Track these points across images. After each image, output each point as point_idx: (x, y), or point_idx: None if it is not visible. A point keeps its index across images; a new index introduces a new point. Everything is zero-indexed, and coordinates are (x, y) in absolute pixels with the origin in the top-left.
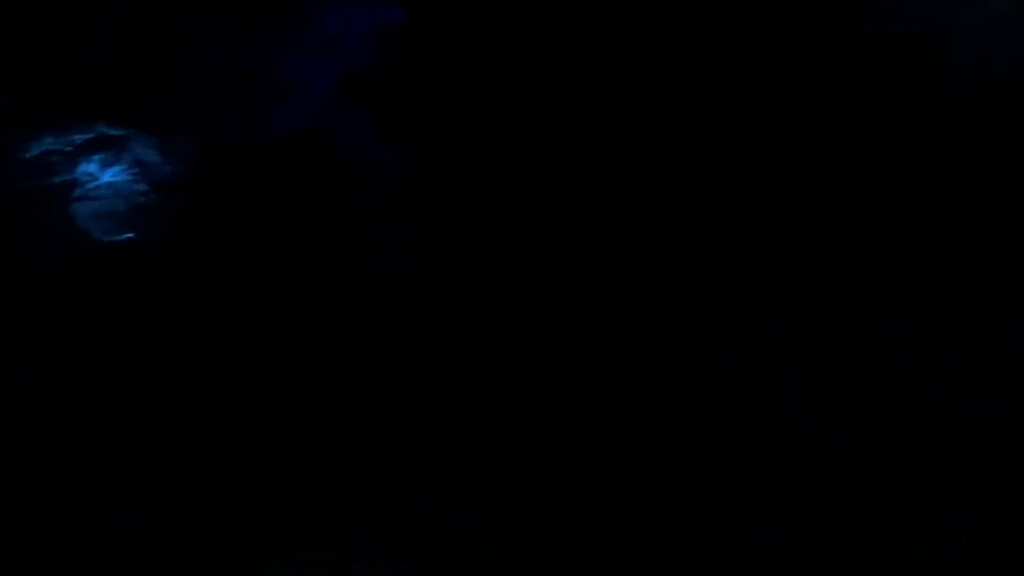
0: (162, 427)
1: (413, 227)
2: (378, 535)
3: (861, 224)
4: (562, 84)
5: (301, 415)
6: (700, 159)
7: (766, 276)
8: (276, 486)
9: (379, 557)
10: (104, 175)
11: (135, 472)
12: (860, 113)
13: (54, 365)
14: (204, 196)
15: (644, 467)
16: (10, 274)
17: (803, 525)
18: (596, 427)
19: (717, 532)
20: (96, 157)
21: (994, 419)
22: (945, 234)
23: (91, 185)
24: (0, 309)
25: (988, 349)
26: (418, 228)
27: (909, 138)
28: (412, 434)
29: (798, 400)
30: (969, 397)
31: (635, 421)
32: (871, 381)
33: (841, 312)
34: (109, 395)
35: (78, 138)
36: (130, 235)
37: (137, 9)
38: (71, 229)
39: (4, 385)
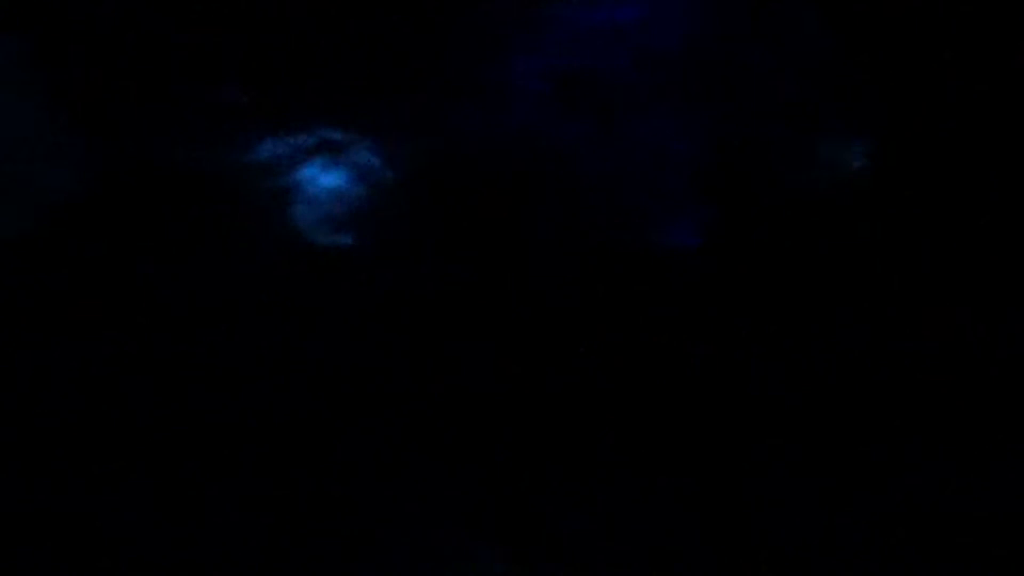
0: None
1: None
2: None
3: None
4: None
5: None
6: None
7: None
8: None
9: None
10: (324, 179)
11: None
12: None
13: (271, 365)
14: (422, 202)
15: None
16: (229, 279)
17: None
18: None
19: None
20: (317, 161)
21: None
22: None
23: (311, 189)
24: (219, 311)
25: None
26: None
27: None
28: None
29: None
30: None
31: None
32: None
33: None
34: (327, 394)
35: (300, 141)
36: (347, 240)
37: (359, 12)
38: (290, 233)
39: (224, 385)
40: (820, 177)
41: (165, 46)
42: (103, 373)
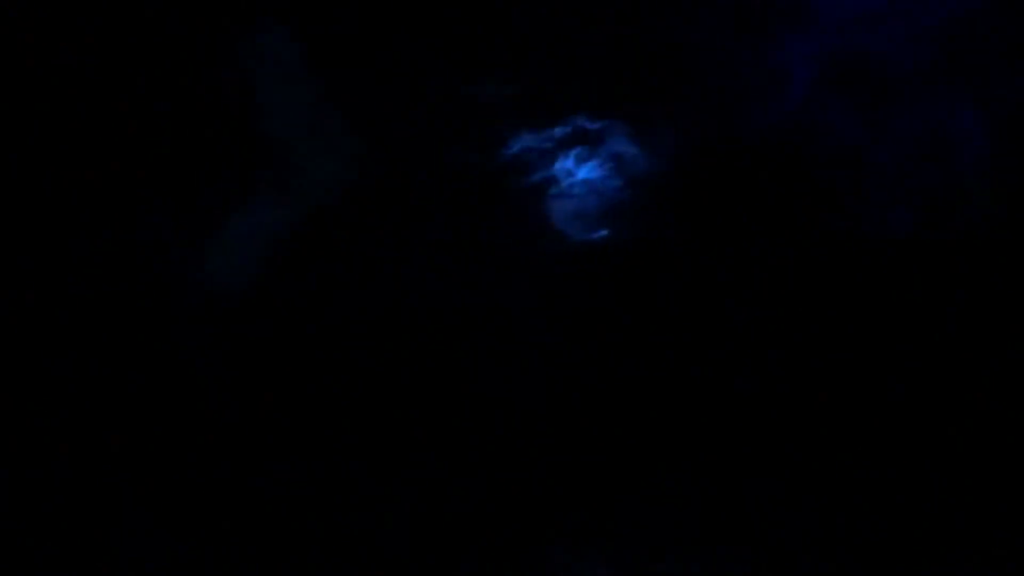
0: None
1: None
2: None
3: None
4: None
5: None
6: None
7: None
8: None
9: None
10: (580, 171)
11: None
12: None
13: (530, 360)
14: (684, 194)
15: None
16: (486, 274)
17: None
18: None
19: None
20: (573, 152)
21: None
22: None
23: (567, 182)
24: (475, 306)
25: None
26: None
27: None
28: None
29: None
30: None
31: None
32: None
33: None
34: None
35: (557, 132)
36: (604, 233)
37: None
38: (547, 228)
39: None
40: None
41: (427, 44)
42: (365, 360)
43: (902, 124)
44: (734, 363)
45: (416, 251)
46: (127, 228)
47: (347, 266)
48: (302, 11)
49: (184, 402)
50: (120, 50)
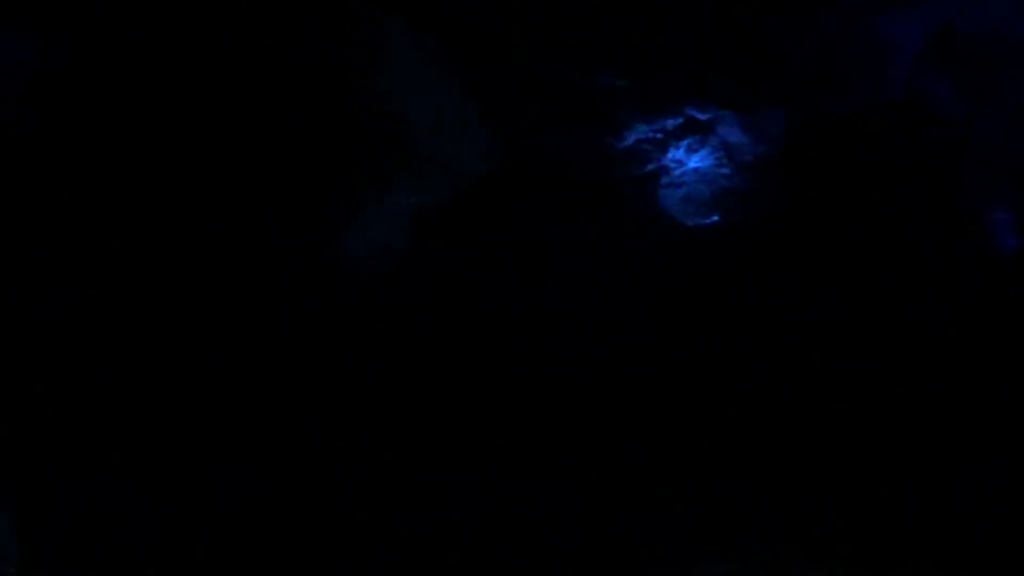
0: None
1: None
2: None
3: None
4: None
5: None
6: None
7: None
8: None
9: None
10: (690, 161)
11: None
12: None
13: (635, 337)
14: (790, 176)
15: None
16: (598, 260)
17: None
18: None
19: None
20: (684, 143)
21: None
22: None
23: (678, 172)
24: (590, 289)
25: None
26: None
27: None
28: None
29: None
30: None
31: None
32: None
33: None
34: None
35: (669, 123)
36: (715, 218)
37: None
38: (660, 215)
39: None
40: None
41: (551, 40)
42: (497, 334)
43: (1011, 98)
44: (845, 347)
45: (539, 236)
46: (285, 208)
47: (480, 246)
48: (436, 18)
49: (324, 376)
50: (277, 46)
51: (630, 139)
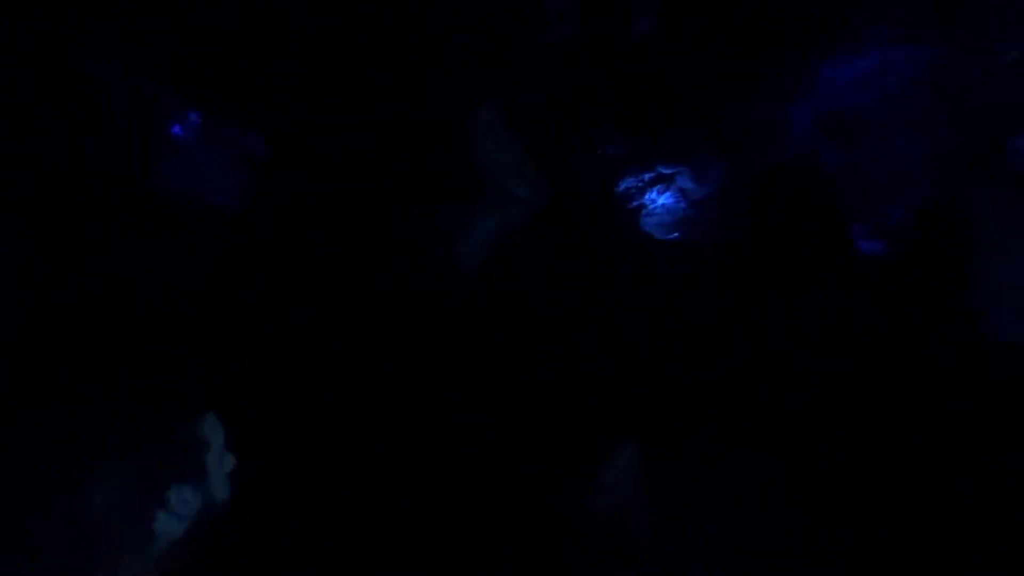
0: None
1: None
2: None
3: None
4: None
5: None
6: None
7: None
8: None
9: None
10: (660, 200)
11: None
12: None
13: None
14: (728, 209)
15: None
16: (611, 261)
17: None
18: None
19: None
20: (656, 188)
21: None
22: None
23: (652, 206)
24: (601, 293)
25: None
26: None
27: None
28: None
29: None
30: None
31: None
32: None
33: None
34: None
35: (646, 176)
36: (676, 235)
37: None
38: (641, 233)
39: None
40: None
41: (579, 120)
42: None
43: (875, 159)
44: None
45: (572, 242)
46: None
47: (535, 252)
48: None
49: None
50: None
51: (623, 186)
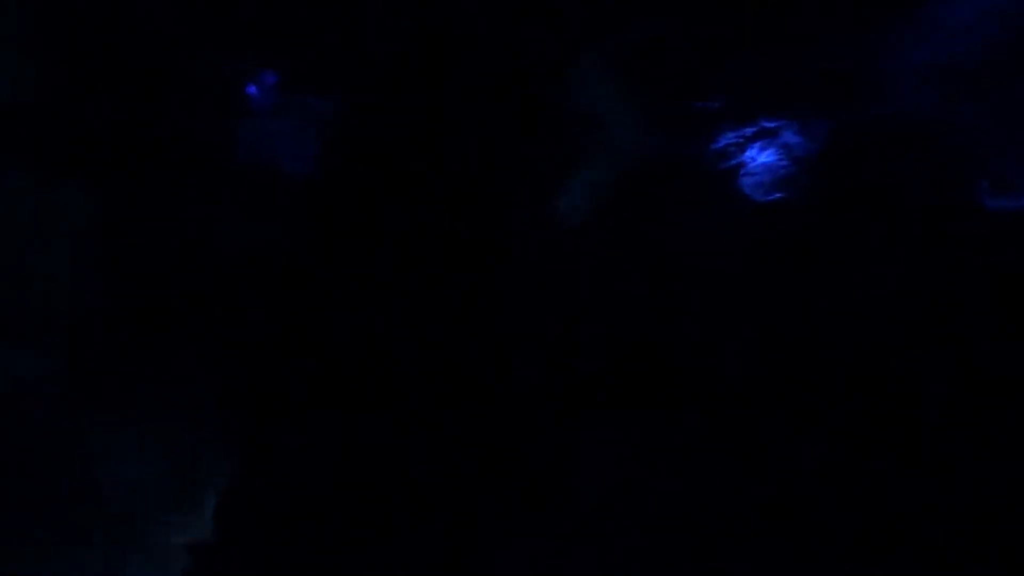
0: None
1: None
2: None
3: None
4: None
5: None
6: None
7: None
8: None
9: None
10: (760, 157)
11: None
12: None
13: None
14: (831, 168)
15: None
16: (706, 225)
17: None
18: None
19: None
20: (757, 144)
21: None
22: None
23: (751, 165)
24: (699, 242)
25: None
26: None
27: None
28: None
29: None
30: None
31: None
32: None
33: None
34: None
35: (747, 131)
36: (777, 196)
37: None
38: (740, 195)
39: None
40: None
41: (679, 75)
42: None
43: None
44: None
45: (671, 198)
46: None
47: (634, 207)
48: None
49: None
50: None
51: (721, 143)
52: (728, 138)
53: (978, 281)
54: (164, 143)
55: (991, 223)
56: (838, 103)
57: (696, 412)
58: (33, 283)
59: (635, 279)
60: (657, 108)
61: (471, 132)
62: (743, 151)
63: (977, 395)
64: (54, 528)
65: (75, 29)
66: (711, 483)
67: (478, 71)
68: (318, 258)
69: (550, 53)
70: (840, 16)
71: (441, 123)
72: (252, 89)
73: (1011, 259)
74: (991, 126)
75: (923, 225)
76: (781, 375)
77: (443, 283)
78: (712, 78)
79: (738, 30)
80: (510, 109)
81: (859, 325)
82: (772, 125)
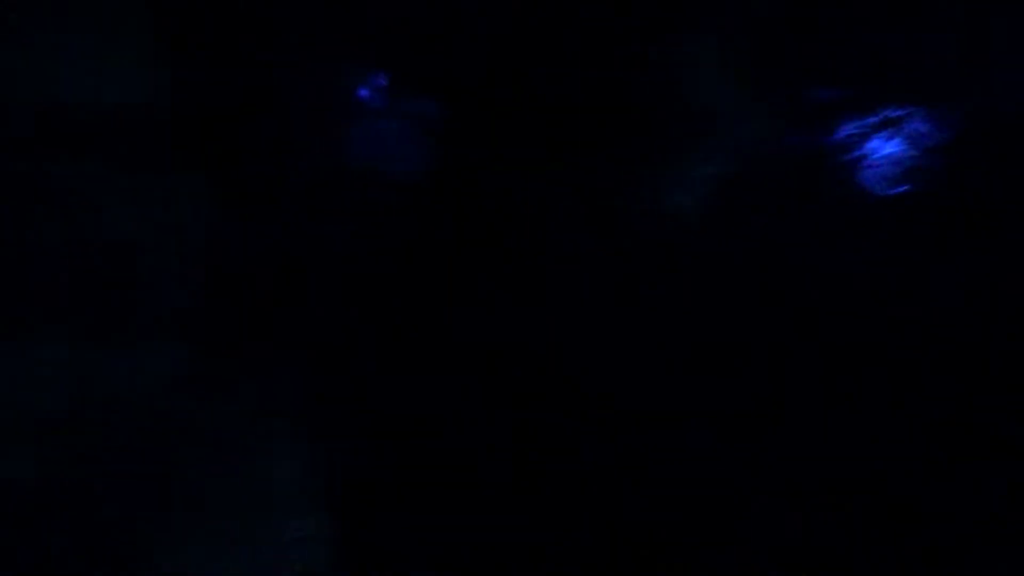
0: None
1: None
2: None
3: None
4: None
5: None
6: None
7: None
8: None
9: None
10: (884, 148)
11: None
12: None
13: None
14: (961, 157)
15: None
16: (822, 222)
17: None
18: None
19: None
20: (881, 135)
21: None
22: None
23: (874, 157)
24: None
25: None
26: None
27: None
28: None
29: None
30: None
31: None
32: None
33: None
34: None
35: (870, 121)
36: (904, 189)
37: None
38: (861, 190)
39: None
40: None
41: (799, 64)
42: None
43: None
44: None
45: (789, 190)
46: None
47: (753, 202)
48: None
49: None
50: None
51: (842, 133)
52: (849, 128)
53: None
54: (277, 146)
55: None
56: (971, 88)
57: (824, 414)
58: (149, 282)
59: (750, 282)
60: (771, 97)
61: (577, 129)
62: (865, 142)
63: None
64: (185, 524)
65: (192, 33)
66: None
67: (584, 65)
68: (428, 259)
69: (657, 41)
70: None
71: (548, 121)
72: (363, 92)
73: None
74: None
75: None
76: (911, 377)
77: (551, 284)
78: (830, 63)
79: (857, 9)
80: (616, 103)
81: (996, 326)
82: (897, 113)
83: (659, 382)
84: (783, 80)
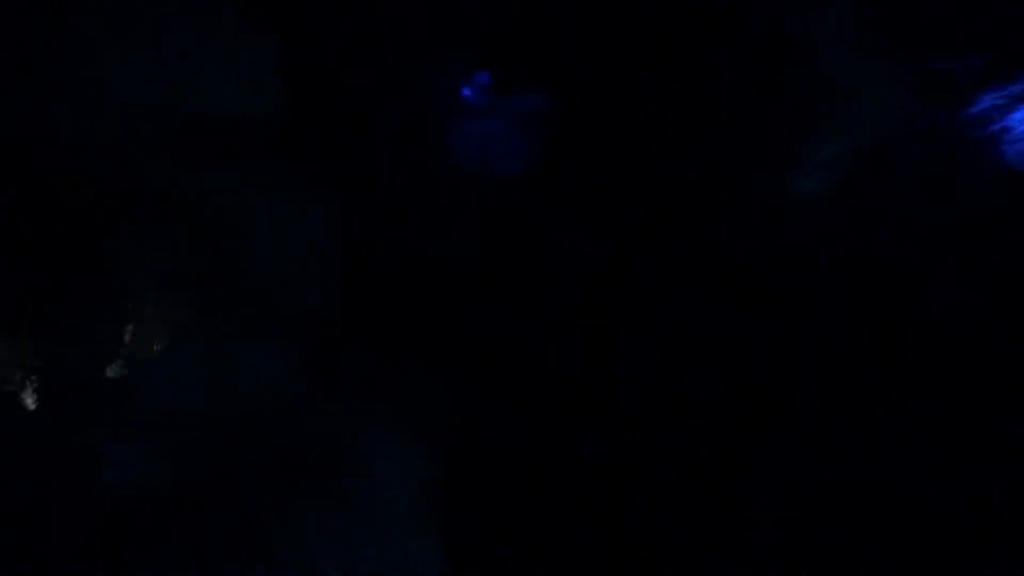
0: None
1: None
2: None
3: None
4: None
5: None
6: None
7: None
8: None
9: None
10: None
11: None
12: None
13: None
14: None
15: None
16: (950, 203)
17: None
18: None
19: None
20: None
21: None
22: None
23: (1017, 130)
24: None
25: None
26: None
27: None
28: None
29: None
30: None
31: None
32: None
33: None
34: None
35: (1013, 90)
36: None
37: None
38: (1003, 166)
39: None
40: None
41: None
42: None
43: None
44: None
45: (919, 167)
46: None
47: (878, 179)
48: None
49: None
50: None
51: (981, 105)
52: (989, 99)
53: None
54: (389, 147)
55: None
56: None
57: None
58: (275, 285)
59: (879, 268)
60: (905, 68)
61: (691, 113)
62: (1007, 114)
63: None
64: (313, 519)
65: (310, 48)
66: None
67: (700, 45)
68: (536, 254)
69: (781, 11)
70: None
71: (658, 108)
72: (466, 91)
73: None
74: None
75: None
76: None
77: (665, 279)
78: (968, 30)
79: None
80: (736, 80)
81: None
82: None
83: (795, 377)
84: (913, 49)
